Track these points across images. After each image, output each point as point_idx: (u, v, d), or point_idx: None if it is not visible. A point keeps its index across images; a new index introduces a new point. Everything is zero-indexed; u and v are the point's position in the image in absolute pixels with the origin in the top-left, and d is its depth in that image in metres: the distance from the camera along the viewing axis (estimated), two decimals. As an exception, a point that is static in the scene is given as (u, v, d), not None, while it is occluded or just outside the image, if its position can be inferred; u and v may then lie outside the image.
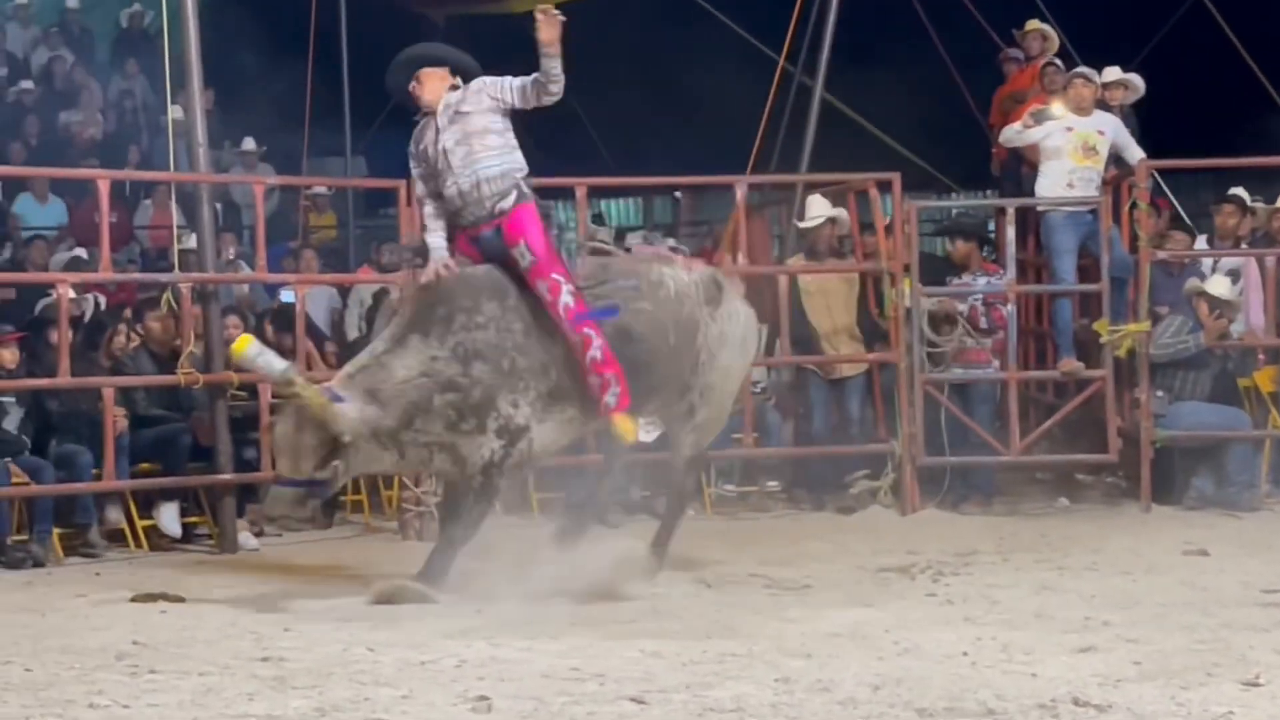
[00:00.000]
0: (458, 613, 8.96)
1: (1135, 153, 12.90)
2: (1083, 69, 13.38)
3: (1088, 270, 12.88)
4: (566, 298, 9.39)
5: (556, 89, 9.67)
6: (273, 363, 9.29)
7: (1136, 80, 13.90)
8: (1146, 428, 12.54)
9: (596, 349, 9.36)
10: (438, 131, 9.67)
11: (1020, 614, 8.73)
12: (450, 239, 9.71)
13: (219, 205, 15.98)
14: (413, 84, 9.75)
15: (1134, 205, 12.83)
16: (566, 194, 15.14)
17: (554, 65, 9.60)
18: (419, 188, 9.86)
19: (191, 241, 12.42)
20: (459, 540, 9.60)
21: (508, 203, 9.59)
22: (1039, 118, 12.97)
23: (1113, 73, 13.78)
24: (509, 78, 9.78)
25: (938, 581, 9.80)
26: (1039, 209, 13.06)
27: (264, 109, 18.05)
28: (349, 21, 17.77)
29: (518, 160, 9.75)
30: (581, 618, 8.77)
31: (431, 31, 22.53)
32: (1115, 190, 13.10)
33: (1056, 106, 13.04)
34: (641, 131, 20.99)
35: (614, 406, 9.44)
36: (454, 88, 9.78)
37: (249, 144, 18.22)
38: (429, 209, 9.77)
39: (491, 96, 9.73)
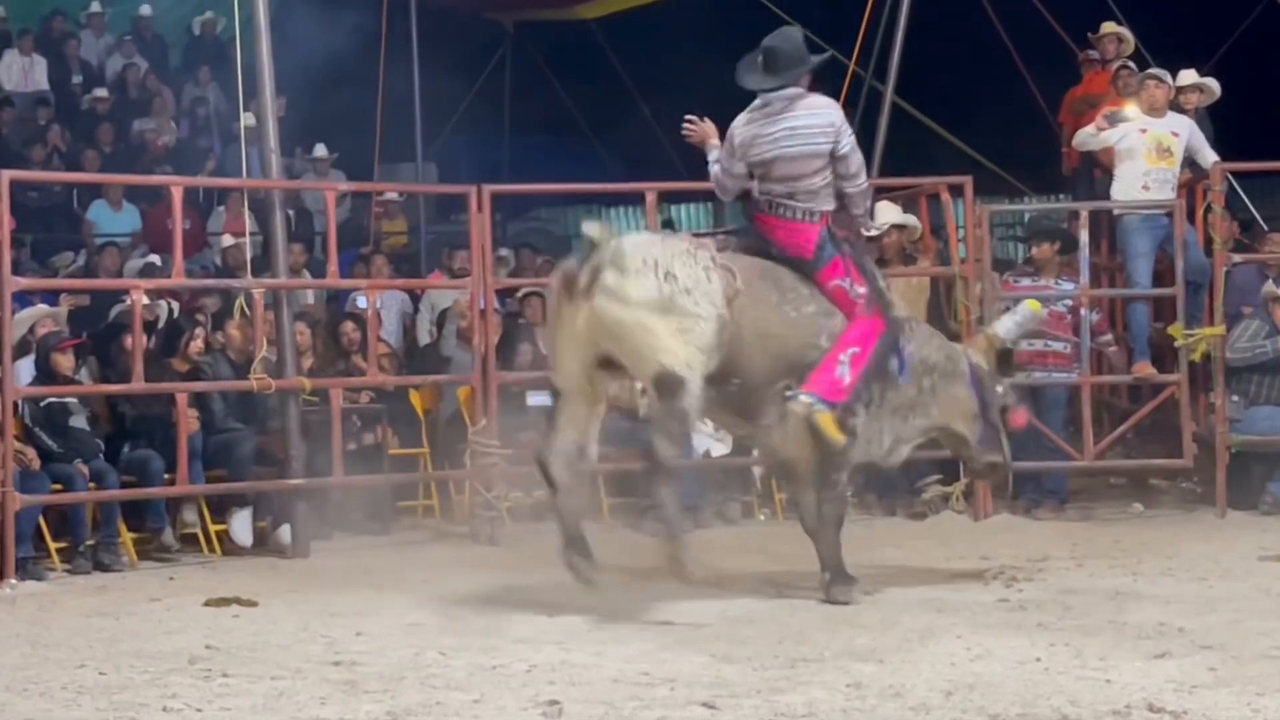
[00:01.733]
0: (528, 617, 8.97)
1: (1209, 155, 12.80)
2: (1155, 70, 13.29)
3: (1162, 274, 12.78)
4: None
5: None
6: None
7: (1212, 84, 13.79)
8: (1222, 433, 12.44)
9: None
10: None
11: (1094, 620, 8.67)
12: None
13: (291, 212, 16.09)
14: None
15: (1209, 209, 12.72)
16: (636, 199, 15.15)
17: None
18: None
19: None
20: None
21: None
22: (1113, 120, 12.89)
23: (1188, 76, 13.67)
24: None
25: (1010, 587, 9.75)
26: (1114, 212, 12.97)
27: (336, 115, 18.15)
28: (419, 27, 17.83)
29: None
30: (652, 623, 8.76)
31: (500, 36, 22.71)
32: (1190, 193, 13.00)
33: (1130, 109, 12.96)
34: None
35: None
36: None
37: (320, 150, 18.32)
38: None
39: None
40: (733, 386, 9.24)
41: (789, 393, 9.20)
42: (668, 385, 8.84)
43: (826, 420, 9.11)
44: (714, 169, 9.78)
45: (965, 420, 9.90)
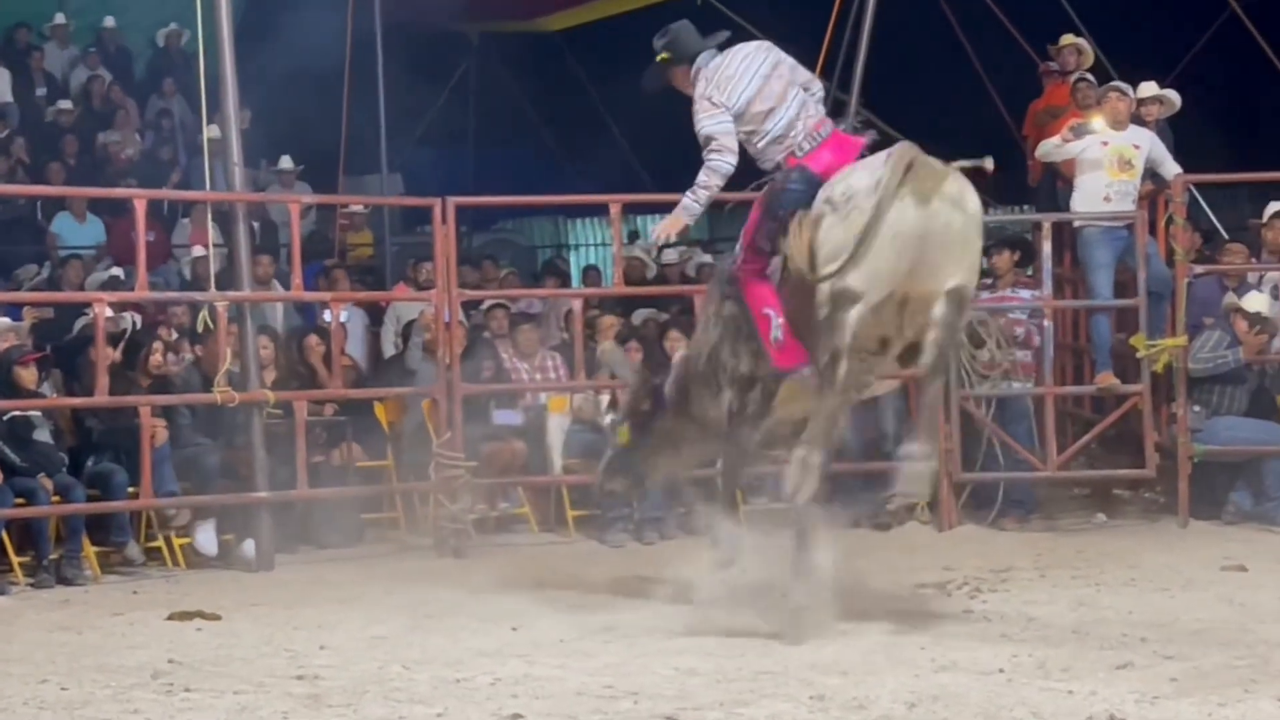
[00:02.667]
0: (493, 630, 8.97)
1: (1171, 167, 12.86)
2: (1117, 83, 13.35)
3: (1125, 285, 12.84)
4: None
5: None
6: None
7: (1172, 95, 13.85)
8: (1184, 443, 12.49)
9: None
10: None
11: (1057, 631, 8.70)
12: None
13: (256, 224, 16.05)
14: None
15: (1170, 220, 12.78)
16: (601, 210, 15.16)
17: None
18: None
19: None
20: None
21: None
22: (1078, 132, 12.94)
23: (1149, 88, 13.73)
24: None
25: (974, 598, 9.78)
26: (1075, 224, 13.02)
27: (301, 127, 18.11)
28: (384, 39, 17.81)
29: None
30: (616, 635, 8.77)
31: (465, 48, 22.71)
32: (1152, 205, 13.06)
33: (1096, 121, 13.00)
34: (677, 147, 21.00)
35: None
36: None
37: (286, 162, 18.28)
38: None
39: None
40: None
41: None
42: (965, 299, 8.76)
43: None
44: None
45: None
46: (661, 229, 9.36)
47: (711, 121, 9.14)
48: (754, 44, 9.43)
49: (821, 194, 8.81)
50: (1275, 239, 13.39)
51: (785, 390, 9.23)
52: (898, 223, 8.48)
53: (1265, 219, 13.53)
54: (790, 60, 9.34)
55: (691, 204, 9.20)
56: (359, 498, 12.77)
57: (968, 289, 8.73)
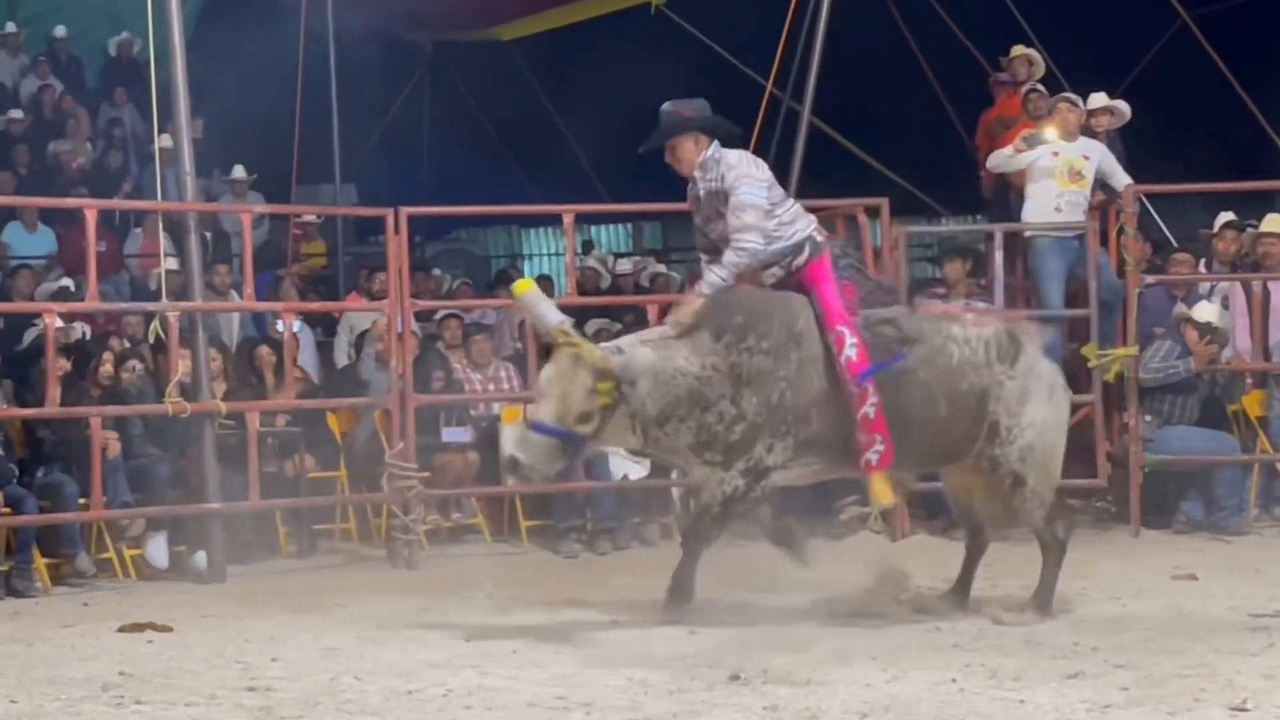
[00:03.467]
0: (445, 641, 8.95)
1: (1121, 178, 12.92)
2: (1068, 94, 13.41)
3: (1076, 295, 12.89)
4: (850, 351, 9.10)
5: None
6: (548, 313, 9.10)
7: (1123, 106, 13.91)
8: (1135, 452, 12.55)
9: (870, 406, 9.08)
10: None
11: (1009, 640, 8.72)
12: None
13: (209, 234, 16.01)
14: None
15: (1121, 230, 12.85)
16: (555, 220, 15.16)
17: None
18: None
19: (171, 265, 12.44)
20: (693, 557, 9.34)
21: (801, 259, 9.33)
22: (1031, 142, 12.99)
23: (1099, 99, 13.80)
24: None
25: (927, 606, 9.78)
26: (1027, 234, 13.07)
27: (254, 136, 18.07)
28: (337, 48, 17.79)
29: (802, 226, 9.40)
30: (569, 646, 8.76)
31: (419, 57, 22.69)
32: (1103, 215, 13.12)
33: (1049, 131, 13.05)
34: (631, 157, 21.02)
35: (875, 465, 9.20)
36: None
37: (239, 172, 18.25)
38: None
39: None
40: None
41: None
42: None
43: None
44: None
45: None
46: (682, 314, 9.30)
47: (757, 197, 9.20)
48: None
49: None
50: (1225, 249, 13.48)
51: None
52: None
53: (1215, 229, 13.63)
54: None
55: (716, 281, 9.22)
56: (311, 509, 12.72)
57: None
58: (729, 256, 9.15)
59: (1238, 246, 13.51)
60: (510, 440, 8.97)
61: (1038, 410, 9.48)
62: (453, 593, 10.58)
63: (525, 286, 9.27)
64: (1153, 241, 14.59)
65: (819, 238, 9.38)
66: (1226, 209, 13.86)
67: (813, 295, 9.26)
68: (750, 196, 9.17)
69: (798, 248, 9.30)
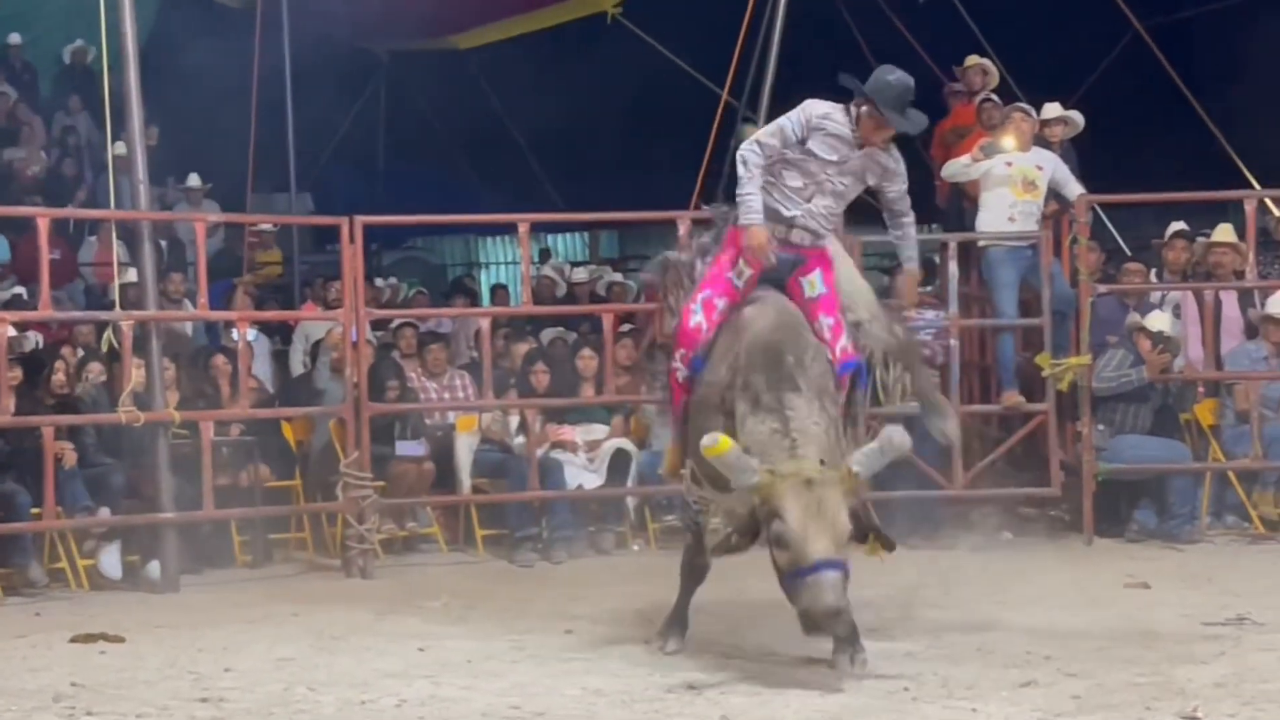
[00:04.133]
0: (399, 650, 8.94)
1: (1075, 188, 12.97)
2: (1021, 104, 13.47)
3: (1029, 304, 12.95)
4: (845, 341, 8.78)
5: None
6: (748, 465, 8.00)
7: (1076, 117, 13.98)
8: (1088, 461, 12.60)
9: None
10: (840, 168, 8.80)
11: (962, 649, 8.74)
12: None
13: (164, 242, 15.96)
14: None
15: (1074, 240, 12.92)
16: (511, 229, 15.15)
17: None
18: (763, 159, 8.70)
19: (132, 275, 12.41)
20: None
21: (823, 240, 8.95)
22: (988, 151, 13.04)
23: (1053, 109, 13.87)
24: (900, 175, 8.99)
25: (880, 616, 9.80)
26: (980, 243, 13.12)
27: (209, 145, 18.03)
28: (293, 57, 17.77)
29: None
30: (524, 655, 8.76)
31: (375, 66, 22.66)
32: (1056, 225, 13.18)
33: (1007, 140, 13.10)
34: (586, 166, 21.07)
35: None
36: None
37: (194, 180, 18.18)
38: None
39: (878, 177, 8.94)
40: None
41: None
42: None
43: None
44: None
45: None
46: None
47: None
48: None
49: None
50: (1175, 258, 13.58)
51: None
52: None
53: (1166, 238, 13.72)
54: None
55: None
56: (266, 518, 12.69)
57: None
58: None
59: (1188, 256, 13.60)
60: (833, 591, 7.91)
61: None
62: (408, 602, 10.58)
63: (724, 448, 7.95)
64: (1107, 251, 14.67)
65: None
66: (1178, 219, 13.93)
67: (816, 273, 8.87)
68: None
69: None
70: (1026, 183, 12.89)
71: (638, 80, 19.78)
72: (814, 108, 8.81)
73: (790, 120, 8.76)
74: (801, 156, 8.74)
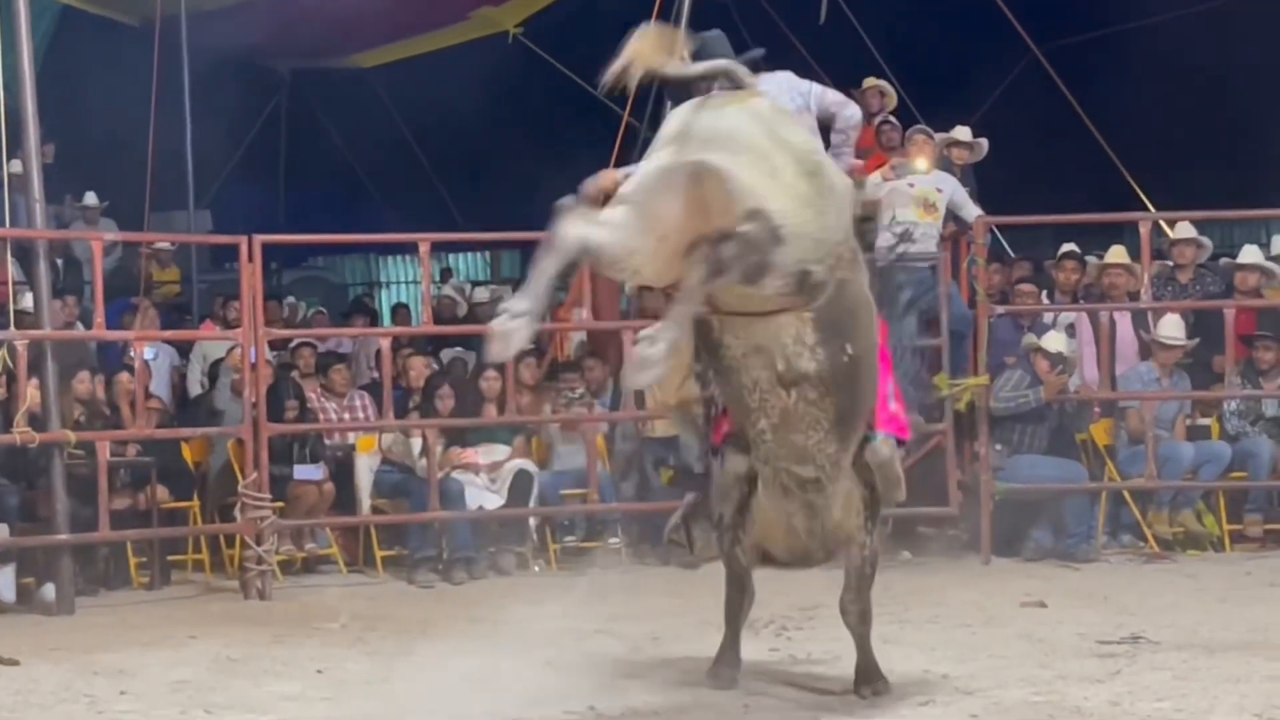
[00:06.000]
0: (298, 673, 8.89)
1: (971, 211, 13.08)
2: (922, 126, 13.57)
3: (927, 325, 13.03)
4: None
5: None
6: None
7: (982, 143, 14.11)
8: (986, 481, 12.69)
9: None
10: None
11: (861, 668, 8.76)
12: None
13: (60, 261, 15.80)
14: None
15: (972, 261, 13.02)
16: (411, 248, 15.10)
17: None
18: None
19: (28, 301, 12.30)
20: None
21: None
22: (900, 171, 13.10)
23: (964, 132, 14.00)
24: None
25: (781, 635, 9.84)
26: (879, 264, 13.17)
27: (106, 162, 17.86)
28: (192, 73, 17.63)
29: None
30: (423, 677, 8.72)
31: (276, 84, 22.54)
32: (954, 246, 13.28)
33: (919, 162, 13.17)
34: (489, 186, 21.05)
35: None
36: None
37: (90, 199, 18.02)
38: None
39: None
40: None
41: None
42: None
43: None
44: None
45: None
46: None
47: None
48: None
49: None
50: (1066, 279, 13.72)
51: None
52: None
53: (1056, 259, 13.86)
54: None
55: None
56: (164, 539, 12.58)
57: None
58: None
59: (1078, 276, 13.74)
60: None
61: None
62: (306, 624, 10.52)
63: None
64: (1006, 272, 14.75)
65: None
66: (1076, 240, 14.06)
67: None
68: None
69: None
70: (926, 204, 12.98)
71: (540, 100, 19.79)
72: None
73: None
74: None
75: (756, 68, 7.87)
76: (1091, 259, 13.84)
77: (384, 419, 12.78)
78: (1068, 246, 13.83)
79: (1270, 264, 13.84)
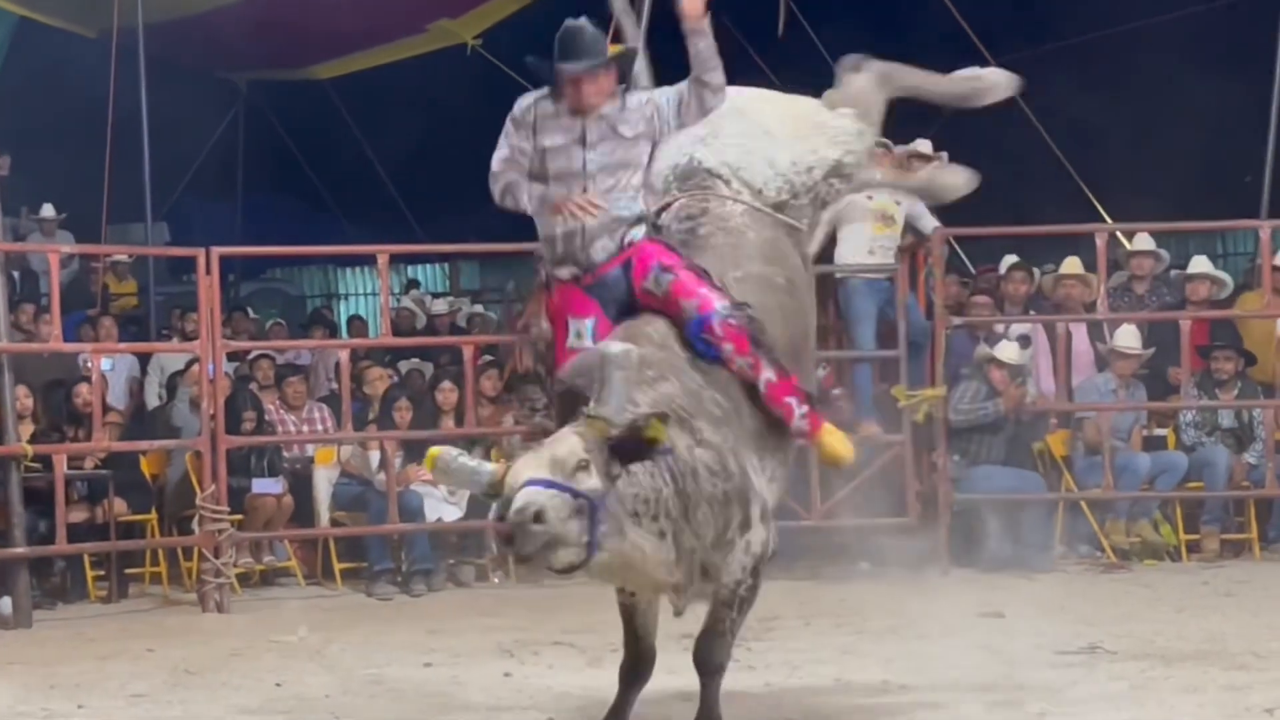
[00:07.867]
0: (256, 686, 8.87)
1: (929, 223, 13.11)
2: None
3: (885, 336, 13.06)
4: (722, 312, 7.34)
5: (718, 84, 7.60)
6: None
7: (943, 156, 14.11)
8: (945, 491, 12.73)
9: (767, 370, 7.38)
10: (584, 145, 7.56)
11: (820, 679, 8.81)
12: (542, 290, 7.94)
13: (16, 273, 15.75)
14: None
15: (930, 273, 13.07)
16: (370, 260, 15.08)
17: (706, 47, 7.59)
18: (510, 178, 7.79)
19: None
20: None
21: (639, 232, 7.53)
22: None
23: (925, 145, 14.03)
24: (664, 92, 7.65)
25: (739, 647, 9.82)
26: (838, 275, 13.22)
27: (63, 174, 17.81)
28: (149, 85, 17.59)
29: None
30: (382, 690, 8.72)
31: (234, 95, 22.48)
32: (912, 258, 13.32)
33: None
34: (447, 197, 21.02)
35: (806, 429, 7.54)
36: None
37: (48, 210, 17.97)
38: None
39: (649, 120, 7.58)
40: None
41: None
42: None
43: None
44: None
45: None
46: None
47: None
48: None
49: None
50: (1014, 290, 13.77)
51: None
52: None
53: (1003, 271, 13.92)
54: None
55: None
56: (121, 553, 12.53)
57: None
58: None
59: (1027, 288, 13.80)
60: None
61: None
62: (264, 637, 10.49)
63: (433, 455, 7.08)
64: (963, 283, 14.78)
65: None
66: (1033, 252, 14.13)
67: (655, 264, 7.43)
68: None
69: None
70: (885, 217, 13.02)
71: (499, 112, 19.73)
72: (517, 104, 7.88)
73: (504, 132, 7.84)
74: (542, 161, 7.66)
75: (626, 75, 7.70)
76: (1047, 269, 13.90)
77: (343, 431, 12.76)
78: (1011, 258, 13.90)
79: (1220, 273, 13.96)
